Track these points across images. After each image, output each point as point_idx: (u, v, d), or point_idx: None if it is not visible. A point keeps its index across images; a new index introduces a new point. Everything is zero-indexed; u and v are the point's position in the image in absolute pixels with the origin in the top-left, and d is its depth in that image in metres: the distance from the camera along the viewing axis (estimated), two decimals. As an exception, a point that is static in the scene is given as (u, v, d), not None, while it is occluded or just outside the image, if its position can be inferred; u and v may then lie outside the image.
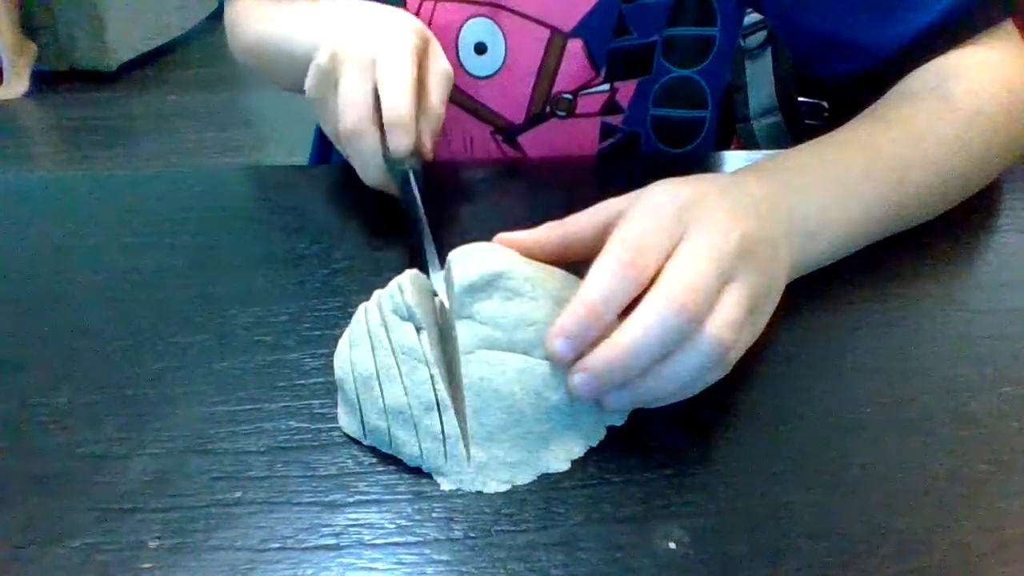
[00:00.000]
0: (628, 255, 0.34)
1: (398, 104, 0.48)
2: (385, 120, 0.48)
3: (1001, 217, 0.54)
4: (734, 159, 0.69)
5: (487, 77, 0.66)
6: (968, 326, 0.43)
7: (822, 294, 0.44)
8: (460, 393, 0.35)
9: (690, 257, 0.34)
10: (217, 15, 4.13)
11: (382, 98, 0.49)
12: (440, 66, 0.53)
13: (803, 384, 0.39)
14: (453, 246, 0.39)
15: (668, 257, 0.35)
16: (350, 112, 0.49)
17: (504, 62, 0.65)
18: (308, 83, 0.53)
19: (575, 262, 0.39)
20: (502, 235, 0.40)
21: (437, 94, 0.52)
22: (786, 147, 0.48)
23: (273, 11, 0.68)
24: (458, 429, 0.34)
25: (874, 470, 0.34)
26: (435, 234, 0.46)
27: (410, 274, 0.39)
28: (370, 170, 0.51)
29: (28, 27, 3.34)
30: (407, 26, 0.53)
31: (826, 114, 0.86)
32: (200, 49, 3.88)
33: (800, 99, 0.86)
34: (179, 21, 3.86)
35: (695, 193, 0.37)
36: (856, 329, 0.43)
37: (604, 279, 0.34)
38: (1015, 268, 0.49)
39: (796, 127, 0.86)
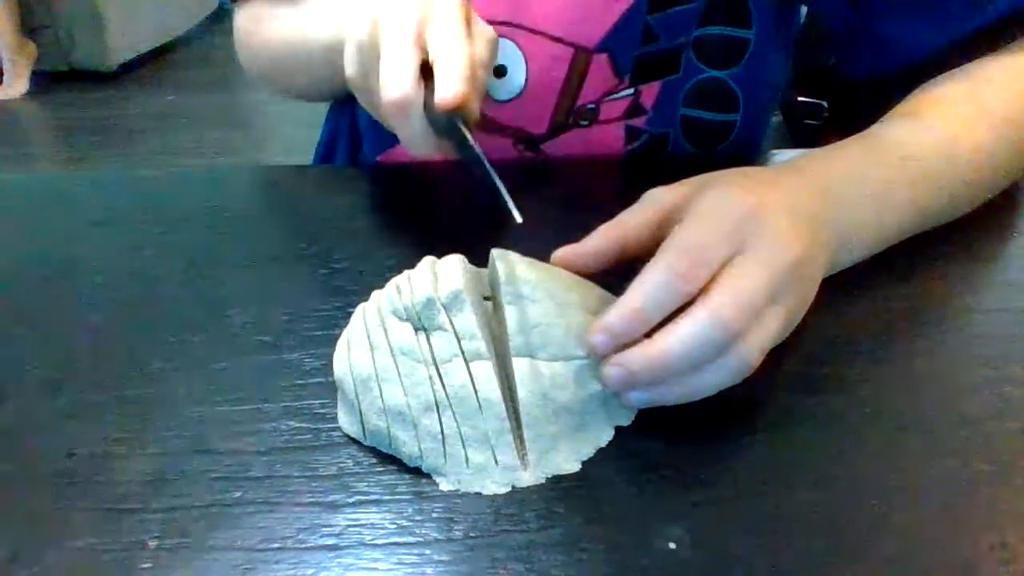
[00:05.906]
0: (683, 266, 0.34)
1: (455, 50, 0.43)
2: (439, 67, 0.43)
3: (1004, 217, 0.54)
4: (762, 162, 0.69)
5: (508, 100, 0.62)
6: (969, 326, 0.43)
7: (823, 294, 0.44)
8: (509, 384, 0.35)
9: (745, 273, 0.35)
10: (217, 15, 4.15)
11: (435, 44, 0.44)
12: (484, 29, 0.49)
13: (803, 384, 0.39)
14: (475, 248, 0.39)
15: (723, 265, 0.35)
16: (395, 79, 0.44)
17: (526, 85, 0.61)
18: (349, 66, 0.49)
19: (633, 261, 0.39)
20: (561, 253, 0.40)
21: (483, 57, 0.47)
22: (786, 147, 0.47)
23: (287, 13, 0.65)
24: (458, 430, 0.34)
25: (874, 470, 0.34)
26: (461, 238, 0.44)
27: (455, 257, 0.38)
28: (418, 138, 0.46)
29: (28, 27, 3.34)
30: None
31: (826, 114, 0.86)
32: (200, 49, 3.88)
33: (800, 99, 0.86)
34: (179, 21, 3.87)
35: (757, 203, 0.37)
36: (857, 329, 0.43)
37: (656, 287, 0.34)
38: (1017, 268, 0.49)
39: (796, 127, 0.86)
